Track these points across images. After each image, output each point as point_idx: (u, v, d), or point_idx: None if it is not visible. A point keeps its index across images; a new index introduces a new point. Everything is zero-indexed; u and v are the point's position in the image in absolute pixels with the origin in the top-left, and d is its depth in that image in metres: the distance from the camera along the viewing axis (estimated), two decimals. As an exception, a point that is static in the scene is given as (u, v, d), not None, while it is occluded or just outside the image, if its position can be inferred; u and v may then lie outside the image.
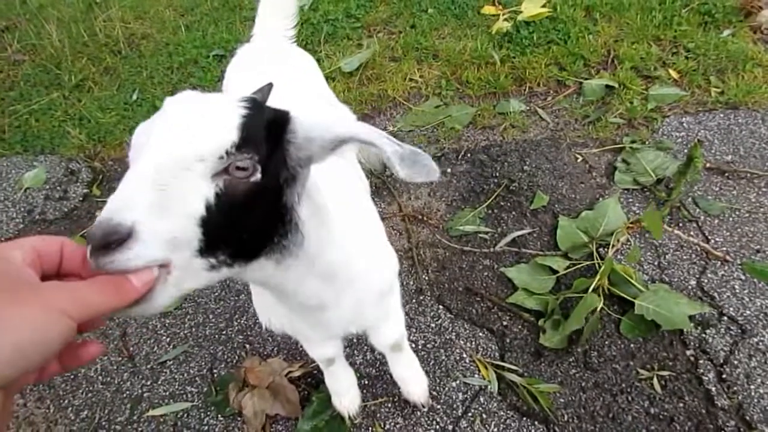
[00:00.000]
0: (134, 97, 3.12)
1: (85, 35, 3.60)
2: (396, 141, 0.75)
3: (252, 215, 0.72)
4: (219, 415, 1.80)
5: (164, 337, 2.03)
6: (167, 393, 1.88)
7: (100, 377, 1.95)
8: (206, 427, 1.78)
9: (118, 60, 3.43)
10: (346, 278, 1.04)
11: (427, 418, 1.72)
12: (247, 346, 1.97)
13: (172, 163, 0.64)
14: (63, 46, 3.49)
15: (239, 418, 1.77)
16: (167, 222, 0.62)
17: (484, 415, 1.70)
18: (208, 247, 0.67)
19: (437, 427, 1.70)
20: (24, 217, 2.60)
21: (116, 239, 0.57)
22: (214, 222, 0.66)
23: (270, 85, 0.94)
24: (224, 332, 2.02)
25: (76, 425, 1.83)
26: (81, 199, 2.66)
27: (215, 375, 1.91)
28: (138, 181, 0.62)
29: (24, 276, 0.55)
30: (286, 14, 2.02)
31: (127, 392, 1.90)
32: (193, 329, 2.04)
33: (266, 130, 0.72)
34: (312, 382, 1.84)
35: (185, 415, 1.82)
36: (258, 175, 0.70)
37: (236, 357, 1.94)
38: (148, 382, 1.92)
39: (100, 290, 0.57)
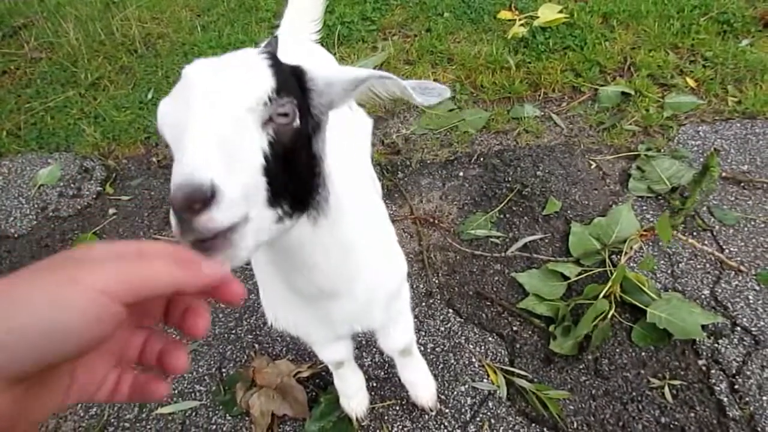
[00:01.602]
0: (149, 96, 3.15)
1: (102, 34, 3.63)
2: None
3: (299, 161, 0.75)
4: (227, 415, 1.80)
5: (174, 336, 2.03)
6: (176, 391, 1.88)
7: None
8: (214, 426, 1.78)
9: (134, 59, 3.46)
10: (359, 262, 1.04)
11: (435, 422, 1.71)
12: (256, 345, 1.97)
13: (227, 118, 0.64)
14: (80, 44, 3.53)
15: (247, 418, 1.77)
16: (240, 175, 0.62)
17: (493, 421, 1.69)
18: (274, 196, 0.68)
19: (445, 431, 1.69)
20: (37, 213, 2.62)
21: (201, 199, 0.56)
22: (273, 169, 0.68)
23: (276, 38, 0.96)
24: (233, 331, 2.02)
25: (85, 422, 1.84)
26: (94, 196, 2.68)
27: (224, 374, 1.91)
28: (202, 140, 0.61)
29: (82, 255, 0.47)
30: (312, 18, 2.07)
31: (136, 389, 1.90)
32: (203, 328, 2.04)
33: (293, 79, 0.75)
34: (320, 383, 1.84)
35: (193, 414, 1.82)
36: (297, 121, 0.72)
37: (245, 356, 1.95)
38: (157, 380, 1.92)
39: (154, 263, 0.49)
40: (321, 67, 0.82)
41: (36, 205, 2.66)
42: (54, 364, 0.44)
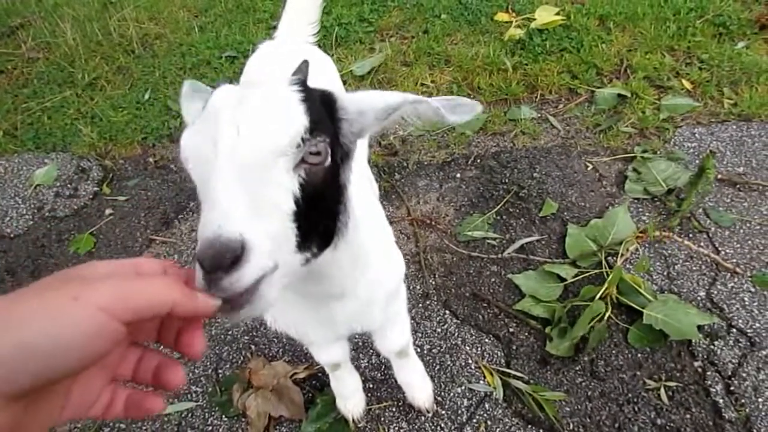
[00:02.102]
0: (146, 96, 3.14)
1: (99, 34, 3.63)
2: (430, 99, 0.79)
3: (328, 198, 0.73)
4: (223, 416, 1.79)
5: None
6: (172, 392, 1.88)
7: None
8: (210, 428, 1.78)
9: (132, 59, 3.46)
10: (365, 264, 1.04)
11: (431, 424, 1.71)
12: (253, 347, 1.97)
13: (256, 165, 0.62)
14: (77, 44, 3.53)
15: (243, 419, 1.77)
16: (270, 226, 0.60)
17: (489, 422, 1.69)
18: (303, 240, 0.66)
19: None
20: (34, 213, 2.62)
21: (231, 257, 0.54)
22: (303, 214, 0.65)
23: (306, 63, 0.90)
24: (230, 333, 2.02)
25: (80, 422, 1.83)
26: (91, 197, 2.68)
27: (220, 375, 1.91)
28: (228, 191, 0.59)
29: (83, 272, 0.49)
30: (309, 20, 2.06)
31: (132, 390, 1.90)
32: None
33: (323, 112, 0.72)
34: (316, 384, 1.84)
35: (189, 415, 1.82)
36: (329, 159, 0.70)
37: (241, 358, 1.94)
38: (153, 380, 1.92)
39: (153, 282, 0.51)
40: (348, 94, 0.80)
41: (32, 205, 2.66)
42: (53, 381, 0.45)
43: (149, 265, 0.55)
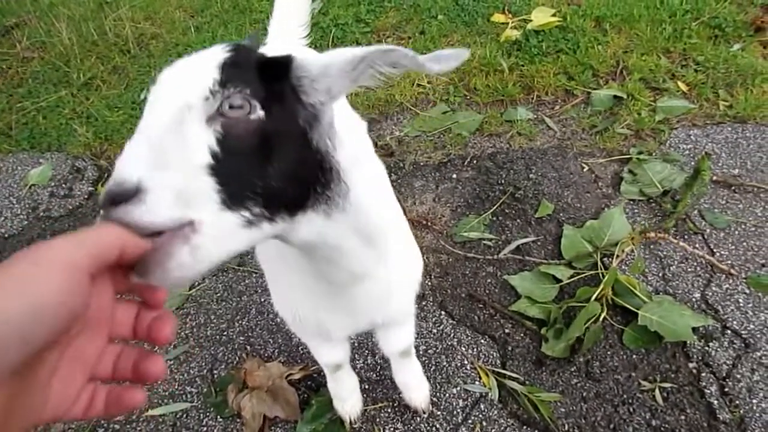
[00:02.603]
0: (142, 96, 3.13)
1: (95, 34, 3.62)
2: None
3: (274, 159, 0.68)
4: (218, 417, 1.79)
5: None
6: (166, 393, 1.87)
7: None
8: (205, 428, 1.77)
9: (127, 59, 3.45)
10: (384, 249, 1.01)
11: (426, 424, 1.71)
12: (248, 347, 1.97)
13: (164, 117, 0.63)
14: (72, 44, 3.51)
15: (238, 420, 1.76)
16: (173, 174, 0.60)
17: (484, 423, 1.69)
18: (232, 198, 0.63)
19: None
20: (28, 213, 2.61)
21: (123, 196, 0.56)
22: (227, 169, 0.63)
23: (260, 31, 0.92)
24: (225, 333, 2.01)
25: (74, 423, 1.82)
26: (86, 197, 2.67)
27: (215, 376, 1.90)
28: (136, 141, 0.61)
29: (35, 247, 0.50)
30: (299, 21, 2.04)
31: (127, 390, 1.89)
32: (194, 329, 2.04)
33: (257, 68, 0.70)
34: (312, 385, 1.83)
35: (184, 416, 1.81)
36: (259, 112, 0.67)
37: (237, 358, 1.94)
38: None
39: (101, 230, 0.54)
40: (312, 53, 0.78)
41: (27, 205, 2.65)
42: (43, 347, 0.46)
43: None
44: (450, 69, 0.74)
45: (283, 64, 0.73)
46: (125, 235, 0.55)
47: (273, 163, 0.68)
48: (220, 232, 0.62)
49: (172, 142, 0.61)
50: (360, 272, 0.98)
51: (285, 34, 2.01)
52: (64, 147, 2.93)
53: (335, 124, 0.80)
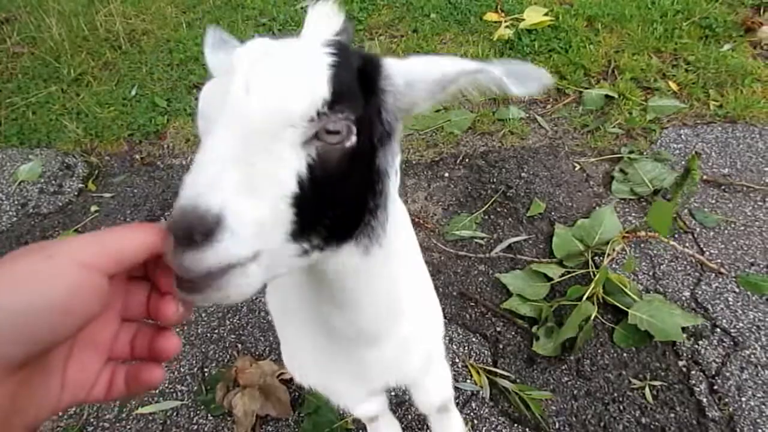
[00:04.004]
0: (133, 92, 3.11)
1: (86, 29, 3.59)
2: (491, 63, 0.65)
3: (347, 186, 0.61)
4: (209, 415, 1.78)
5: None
6: (157, 391, 1.86)
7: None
8: (196, 426, 1.77)
9: (118, 55, 3.42)
10: (405, 300, 0.92)
11: (417, 423, 1.71)
12: (239, 345, 1.96)
13: (258, 132, 0.53)
14: (63, 39, 3.48)
15: (229, 418, 1.76)
16: (257, 204, 0.52)
17: (476, 421, 1.69)
18: (302, 230, 0.57)
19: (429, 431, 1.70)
20: (18, 210, 2.58)
21: (202, 230, 0.47)
22: (308, 199, 0.56)
23: (350, 23, 0.75)
24: (216, 331, 2.01)
25: (63, 422, 1.81)
26: (76, 193, 2.65)
27: (206, 374, 1.89)
28: (219, 156, 0.51)
29: (53, 240, 0.48)
30: (332, 25, 1.95)
31: (117, 388, 1.88)
32: (185, 327, 2.03)
33: (359, 80, 0.60)
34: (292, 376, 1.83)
35: (175, 414, 1.81)
36: (353, 138, 0.59)
37: (228, 356, 1.93)
38: (138, 379, 1.90)
39: (127, 229, 0.49)
40: (397, 60, 0.67)
41: (16, 202, 2.62)
42: (43, 346, 0.44)
43: (122, 226, 0.53)
44: (531, 94, 0.67)
45: (376, 70, 0.64)
46: (154, 237, 0.50)
47: (345, 190, 0.62)
48: (274, 263, 0.56)
49: (262, 164, 0.53)
50: (371, 332, 0.90)
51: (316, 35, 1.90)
52: (54, 143, 2.91)
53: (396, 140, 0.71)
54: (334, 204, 0.61)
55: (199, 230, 0.47)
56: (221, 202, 0.49)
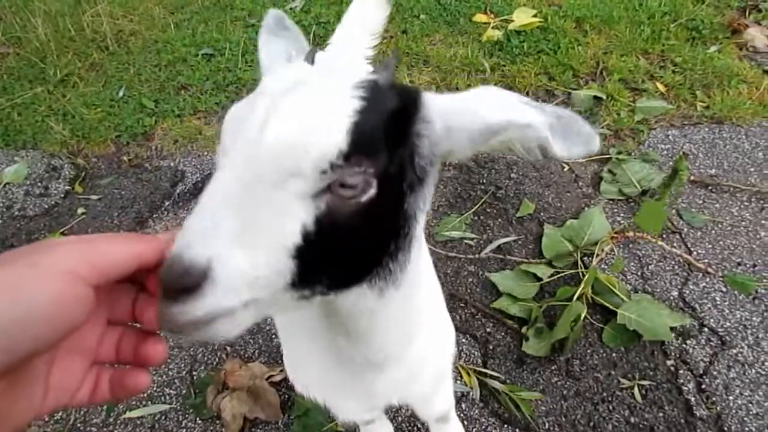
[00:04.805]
0: (121, 93, 3.09)
1: (72, 30, 3.55)
2: (531, 103, 0.59)
3: (360, 238, 0.57)
4: (197, 418, 1.77)
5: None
6: (145, 395, 1.85)
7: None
8: (184, 430, 1.75)
9: (105, 56, 3.39)
10: (417, 329, 0.88)
11: (408, 424, 1.71)
12: (228, 348, 1.95)
13: (264, 178, 0.50)
14: (49, 40, 3.45)
15: (218, 421, 1.74)
16: (253, 257, 0.49)
17: (466, 422, 1.69)
18: (303, 280, 0.54)
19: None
20: (3, 213, 2.55)
21: (188, 284, 0.46)
22: (312, 251, 0.52)
23: (395, 60, 0.66)
24: (205, 333, 1.99)
25: (50, 427, 1.79)
26: (62, 195, 2.62)
27: (194, 377, 1.88)
28: (219, 203, 0.49)
29: (39, 245, 0.46)
30: (369, 30, 1.80)
31: (104, 392, 1.86)
32: (174, 330, 2.01)
33: (388, 128, 0.54)
34: (293, 385, 1.82)
35: (163, 418, 1.79)
36: (372, 191, 0.53)
37: (216, 359, 1.92)
38: (126, 383, 1.88)
39: (112, 240, 0.48)
40: (438, 99, 0.61)
41: (1, 204, 2.59)
42: (25, 357, 0.43)
43: (111, 233, 0.52)
44: (572, 157, 0.59)
45: (412, 111, 0.58)
46: (141, 244, 0.49)
47: (357, 241, 0.57)
48: (269, 306, 0.54)
49: (264, 214, 0.50)
50: (380, 358, 0.86)
51: (349, 43, 1.76)
52: (40, 145, 2.87)
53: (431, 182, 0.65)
54: (343, 255, 0.57)
55: (184, 284, 0.46)
56: (210, 254, 0.47)
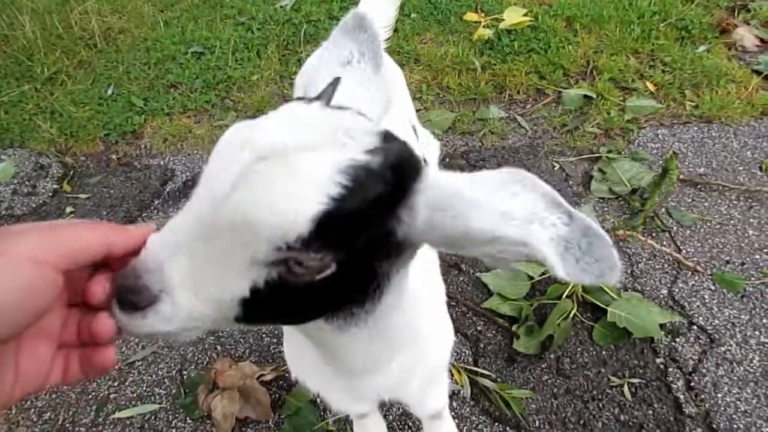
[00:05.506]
0: (109, 92, 3.06)
1: (60, 27, 3.52)
2: (563, 206, 0.54)
3: (315, 297, 0.57)
4: (188, 418, 1.76)
5: (133, 337, 1.98)
6: (134, 395, 1.84)
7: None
8: (174, 430, 1.74)
9: (94, 54, 3.36)
10: (404, 342, 0.88)
11: (398, 422, 1.71)
12: (218, 347, 1.94)
13: (223, 234, 0.50)
14: (36, 37, 3.41)
15: (208, 421, 1.74)
16: (201, 301, 0.53)
17: (457, 420, 1.69)
18: (248, 319, 0.57)
19: (410, 431, 1.69)
20: (-10, 211, 2.53)
21: (138, 302, 0.51)
22: (260, 303, 0.54)
23: (406, 147, 0.56)
24: (195, 333, 1.98)
25: (38, 427, 1.78)
26: (50, 194, 2.60)
27: (185, 377, 1.87)
28: (182, 237, 0.51)
29: (4, 231, 0.46)
30: (382, 19, 1.85)
31: (93, 393, 1.85)
32: (163, 329, 2.00)
33: (362, 218, 0.51)
34: (284, 385, 1.81)
35: (153, 418, 1.78)
36: (329, 271, 0.52)
37: (207, 358, 1.91)
38: (115, 384, 1.87)
39: (80, 227, 0.49)
40: (455, 184, 0.55)
41: (-12, 203, 2.57)
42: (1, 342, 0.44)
43: (80, 221, 0.53)
44: (584, 283, 0.55)
45: (400, 199, 0.54)
46: (110, 231, 0.51)
47: (315, 299, 0.57)
48: (216, 326, 0.58)
49: (218, 266, 0.51)
50: (359, 370, 0.87)
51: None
52: (28, 143, 2.85)
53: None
54: (293, 309, 0.57)
55: (133, 300, 0.51)
56: (162, 287, 0.51)
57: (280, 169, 0.49)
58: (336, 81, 0.66)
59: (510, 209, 0.52)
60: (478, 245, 0.53)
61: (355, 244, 0.52)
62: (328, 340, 0.74)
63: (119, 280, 0.52)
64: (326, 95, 0.62)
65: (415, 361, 0.97)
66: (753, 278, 1.97)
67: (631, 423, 1.67)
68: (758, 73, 2.79)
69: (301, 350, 1.04)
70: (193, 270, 0.51)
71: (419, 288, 0.82)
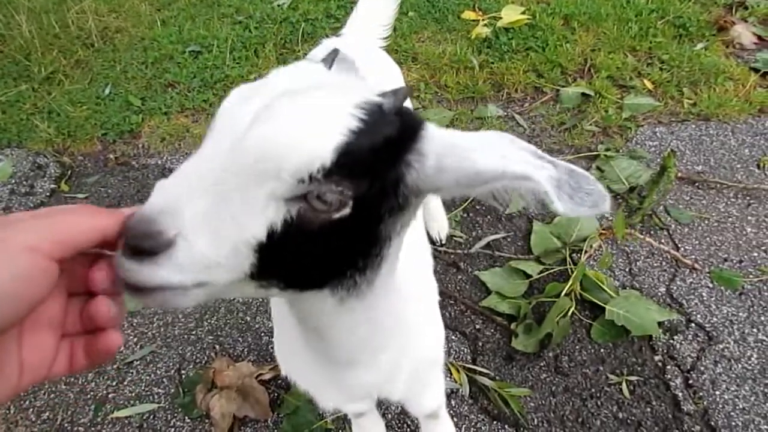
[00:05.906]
0: (107, 91, 3.06)
1: (57, 27, 3.51)
2: (545, 157, 0.57)
3: (326, 249, 0.57)
4: (186, 417, 1.76)
5: (131, 337, 1.98)
6: (133, 394, 1.83)
7: (63, 377, 1.90)
8: (173, 430, 1.74)
9: (91, 53, 3.36)
10: (392, 329, 0.88)
11: (397, 421, 1.71)
12: (217, 346, 1.94)
13: (243, 170, 0.50)
14: (33, 37, 3.41)
15: (207, 420, 1.74)
16: (217, 246, 0.50)
17: (455, 419, 1.69)
18: (261, 274, 0.55)
19: (408, 430, 1.69)
20: (-12, 211, 2.53)
21: (150, 247, 0.48)
22: (275, 251, 0.53)
23: (406, 89, 0.63)
24: (194, 332, 1.98)
25: (37, 427, 1.77)
26: (48, 194, 2.59)
27: (183, 376, 1.87)
28: (196, 180, 0.50)
29: (1, 220, 0.46)
30: (382, 17, 1.90)
31: (92, 393, 1.85)
32: (162, 329, 2.00)
33: (378, 154, 0.54)
34: (282, 384, 1.81)
35: (151, 417, 1.78)
36: (346, 211, 0.54)
37: (205, 358, 1.91)
38: (114, 383, 1.87)
39: (75, 214, 0.48)
40: (450, 133, 0.60)
41: (-14, 203, 2.57)
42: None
43: (72, 206, 0.52)
44: (578, 215, 0.60)
45: (409, 140, 0.58)
46: (105, 217, 0.50)
47: (323, 250, 0.58)
48: (224, 290, 0.56)
49: (235, 205, 0.51)
50: (344, 360, 0.88)
51: (364, 32, 1.88)
52: (25, 143, 2.84)
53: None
54: (306, 261, 0.58)
55: (147, 246, 0.48)
56: (179, 230, 0.48)
57: (301, 102, 0.52)
58: (335, 51, 0.70)
59: (508, 153, 0.57)
60: (487, 182, 0.56)
61: (370, 182, 0.54)
62: (323, 320, 0.73)
63: (129, 227, 0.48)
64: (327, 63, 0.66)
65: (401, 354, 0.97)
66: (751, 276, 1.98)
67: (629, 421, 1.67)
68: (756, 70, 2.79)
69: (291, 346, 1.03)
70: (210, 212, 0.50)
71: (408, 279, 0.85)
